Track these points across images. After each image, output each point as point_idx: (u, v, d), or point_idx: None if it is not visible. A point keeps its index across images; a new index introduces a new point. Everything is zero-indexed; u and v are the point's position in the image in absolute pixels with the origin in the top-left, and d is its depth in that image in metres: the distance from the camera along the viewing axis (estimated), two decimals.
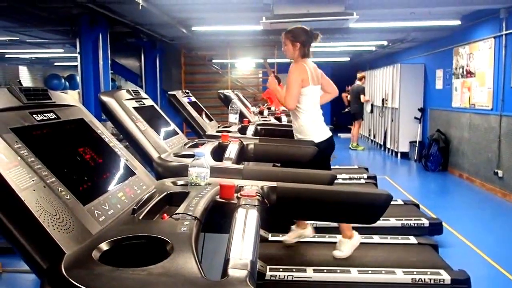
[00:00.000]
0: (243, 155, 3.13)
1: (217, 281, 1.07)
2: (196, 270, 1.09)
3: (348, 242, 3.33)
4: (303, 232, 3.46)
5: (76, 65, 7.38)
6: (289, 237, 3.49)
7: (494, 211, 5.69)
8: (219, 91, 6.04)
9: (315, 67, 3.38)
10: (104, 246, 1.22)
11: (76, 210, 1.30)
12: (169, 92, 3.97)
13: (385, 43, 9.93)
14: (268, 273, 3.07)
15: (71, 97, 1.91)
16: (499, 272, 3.70)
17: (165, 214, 1.46)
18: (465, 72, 7.38)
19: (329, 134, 3.40)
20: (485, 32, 6.71)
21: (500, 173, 6.22)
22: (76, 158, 1.51)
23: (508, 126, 6.05)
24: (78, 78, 7.50)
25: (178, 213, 1.44)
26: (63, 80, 16.15)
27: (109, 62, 7.45)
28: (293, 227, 3.51)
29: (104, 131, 1.86)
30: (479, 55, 6.90)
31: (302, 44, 3.29)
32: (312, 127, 3.34)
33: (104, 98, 2.56)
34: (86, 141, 1.71)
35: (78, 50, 7.13)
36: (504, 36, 6.14)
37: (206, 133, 3.82)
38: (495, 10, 6.15)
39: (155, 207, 1.57)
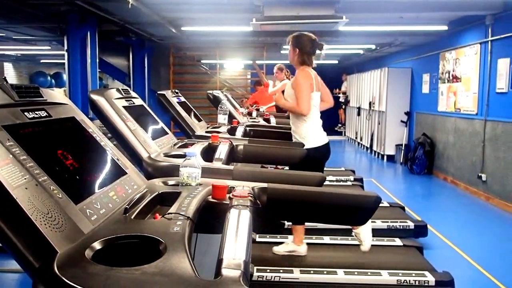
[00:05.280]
0: (232, 156, 3.13)
1: (211, 281, 1.07)
2: (190, 270, 1.10)
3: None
4: (298, 248, 3.38)
5: (63, 63, 7.31)
6: (281, 249, 3.41)
7: (477, 214, 5.78)
8: (208, 92, 6.03)
9: (316, 75, 3.42)
10: (97, 245, 1.22)
11: (68, 209, 1.29)
12: (158, 92, 3.96)
13: (373, 46, 10.02)
14: (255, 274, 3.08)
15: (62, 95, 1.90)
16: (482, 274, 3.76)
17: (157, 214, 1.47)
18: (451, 77, 7.49)
19: (327, 140, 3.46)
20: (471, 38, 6.82)
21: (484, 177, 6.32)
22: (67, 157, 1.50)
23: (493, 131, 6.16)
24: (65, 76, 7.43)
25: (171, 213, 1.45)
26: (49, 78, 15.96)
27: (97, 60, 7.39)
28: (289, 238, 3.46)
29: (96, 130, 1.85)
30: (465, 61, 7.01)
31: (301, 51, 3.33)
32: (313, 132, 3.37)
33: (94, 97, 2.54)
34: (77, 140, 1.70)
35: (65, 47, 7.06)
36: (489, 42, 6.25)
37: (196, 134, 3.82)
38: (481, 16, 6.26)
39: (146, 206, 1.57)
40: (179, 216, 1.41)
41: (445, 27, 7.10)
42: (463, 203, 6.35)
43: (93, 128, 1.85)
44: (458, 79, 7.24)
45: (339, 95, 13.87)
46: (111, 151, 1.84)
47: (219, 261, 1.15)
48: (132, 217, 1.44)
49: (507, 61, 5.78)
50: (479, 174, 6.42)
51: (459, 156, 7.20)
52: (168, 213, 1.44)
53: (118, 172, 1.77)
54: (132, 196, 1.64)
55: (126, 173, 1.81)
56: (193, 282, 1.05)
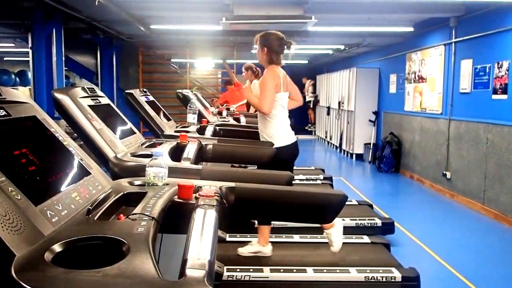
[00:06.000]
0: (201, 155, 3.11)
1: (174, 281, 1.06)
2: (153, 271, 1.08)
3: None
4: (263, 249, 3.38)
5: (28, 60, 7.09)
6: (245, 250, 3.40)
7: (442, 211, 5.94)
8: (177, 91, 5.98)
9: (285, 75, 3.43)
10: (57, 247, 1.18)
11: (27, 210, 1.25)
12: (126, 91, 3.89)
13: (342, 47, 10.15)
14: (226, 274, 3.08)
15: (23, 94, 1.84)
16: (446, 269, 3.87)
17: (122, 215, 1.44)
18: (417, 77, 7.67)
19: (295, 139, 3.48)
20: (436, 39, 7.01)
21: (448, 174, 6.51)
22: (28, 157, 1.45)
23: (456, 130, 6.34)
24: (30, 74, 7.21)
25: (135, 214, 1.42)
26: (13, 76, 15.47)
27: (63, 58, 7.21)
28: (253, 240, 3.45)
29: (58, 129, 1.80)
30: (430, 61, 7.20)
31: (269, 50, 3.33)
32: (280, 132, 3.39)
33: (58, 95, 2.47)
34: (38, 140, 1.65)
35: (30, 45, 6.86)
36: (453, 43, 6.43)
37: (164, 133, 3.77)
38: (445, 18, 6.44)
39: (111, 207, 1.54)
40: (143, 217, 1.39)
41: (411, 29, 7.27)
42: (429, 201, 6.51)
43: (56, 127, 1.80)
44: (423, 80, 7.42)
45: (306, 95, 14.12)
46: (75, 151, 1.80)
47: (184, 262, 1.14)
48: (95, 218, 1.41)
49: (470, 62, 5.96)
50: (444, 172, 6.60)
51: (424, 155, 7.38)
52: (133, 214, 1.42)
53: (81, 172, 1.72)
54: (96, 197, 1.60)
55: (90, 174, 1.77)
56: (156, 283, 1.04)
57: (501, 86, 5.27)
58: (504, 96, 5.22)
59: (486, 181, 5.56)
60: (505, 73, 5.19)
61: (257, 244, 3.41)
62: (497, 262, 4.10)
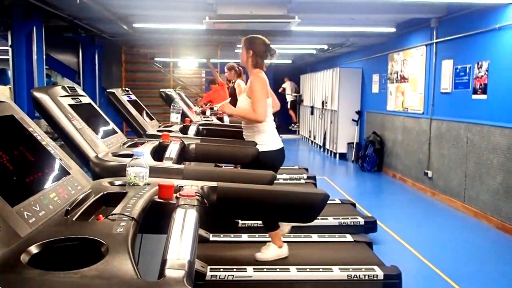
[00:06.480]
0: (184, 155, 3.09)
1: (153, 282, 1.05)
2: (132, 272, 1.07)
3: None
4: (281, 252, 3.35)
5: (7, 59, 6.96)
6: (265, 255, 3.34)
7: (424, 210, 6.02)
8: (160, 90, 5.94)
9: (267, 80, 3.43)
10: (33, 249, 1.16)
11: (3, 211, 1.23)
12: (108, 90, 3.85)
13: (325, 47, 10.20)
14: (209, 273, 3.07)
15: (1, 93, 1.81)
16: (427, 267, 3.92)
17: (101, 215, 1.42)
18: (399, 77, 7.76)
19: (282, 144, 3.47)
20: (418, 40, 7.09)
21: (429, 173, 6.60)
22: (3, 157, 1.43)
23: (438, 129, 6.43)
24: (10, 73, 7.08)
25: (115, 214, 1.41)
26: None
27: (44, 56, 7.10)
28: (270, 243, 3.40)
29: (37, 129, 1.77)
30: (412, 62, 7.28)
31: (255, 53, 3.33)
32: (268, 137, 3.37)
33: (37, 94, 2.43)
34: (16, 139, 1.62)
35: (9, 43, 6.73)
36: (434, 44, 6.52)
37: (147, 133, 3.74)
38: (427, 19, 6.52)
39: (90, 208, 1.52)
40: (123, 217, 1.38)
41: (393, 29, 7.35)
42: (411, 199, 6.59)
43: (34, 127, 1.77)
44: (405, 80, 7.51)
45: (284, 94, 14.31)
46: (54, 150, 1.77)
47: (163, 262, 1.13)
48: (74, 219, 1.39)
49: (451, 62, 6.05)
50: (425, 171, 6.69)
51: (406, 154, 7.47)
52: (112, 214, 1.40)
53: (60, 172, 1.70)
54: (75, 197, 1.58)
55: (70, 174, 1.74)
56: (134, 284, 1.03)
57: (480, 86, 5.36)
58: (484, 96, 5.31)
59: (466, 180, 5.65)
60: (485, 74, 5.28)
61: (274, 247, 3.36)
62: (477, 259, 4.17)
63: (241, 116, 3.46)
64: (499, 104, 5.05)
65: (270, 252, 3.35)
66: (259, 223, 4.02)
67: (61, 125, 2.42)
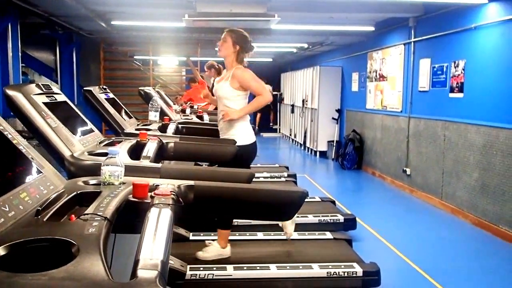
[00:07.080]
0: (162, 154, 3.06)
1: (125, 283, 1.03)
2: (103, 273, 1.04)
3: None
4: (223, 252, 3.36)
5: None
6: (207, 254, 3.35)
7: (403, 207, 6.09)
8: (139, 88, 5.87)
9: None
10: (1, 250, 1.13)
11: None
12: (84, 88, 3.79)
13: (305, 45, 10.24)
14: (189, 273, 3.05)
15: None
16: (406, 263, 3.97)
17: (73, 215, 1.39)
18: (378, 76, 7.83)
19: (255, 138, 3.50)
20: (396, 39, 7.17)
21: (408, 171, 6.68)
22: None
23: (415, 127, 6.51)
24: None
25: (87, 214, 1.38)
26: None
27: (20, 54, 6.95)
28: (213, 242, 3.42)
29: (7, 127, 1.72)
30: (390, 60, 7.36)
31: (242, 49, 3.35)
32: (244, 131, 3.40)
33: (10, 92, 2.37)
34: None
35: None
36: (412, 43, 6.60)
37: (125, 131, 3.69)
38: (405, 18, 6.60)
39: (62, 208, 1.49)
40: (95, 217, 1.35)
41: (372, 28, 7.41)
42: (390, 196, 6.67)
43: (5, 125, 1.72)
44: (384, 78, 7.59)
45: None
46: (25, 149, 1.73)
47: (135, 262, 1.10)
48: (45, 219, 1.35)
49: (428, 61, 6.13)
50: (404, 168, 6.77)
51: (385, 152, 7.55)
52: (84, 214, 1.37)
53: (32, 171, 1.66)
54: (47, 197, 1.54)
55: (42, 173, 1.70)
56: (105, 286, 1.00)
57: (457, 85, 5.45)
58: (460, 95, 5.39)
59: (443, 177, 5.73)
60: (461, 72, 5.36)
61: (217, 246, 3.37)
62: (453, 255, 4.24)
63: (256, 108, 3.53)
64: (475, 102, 5.14)
65: (212, 251, 3.36)
66: (239, 221, 4.01)
67: (35, 124, 2.37)
